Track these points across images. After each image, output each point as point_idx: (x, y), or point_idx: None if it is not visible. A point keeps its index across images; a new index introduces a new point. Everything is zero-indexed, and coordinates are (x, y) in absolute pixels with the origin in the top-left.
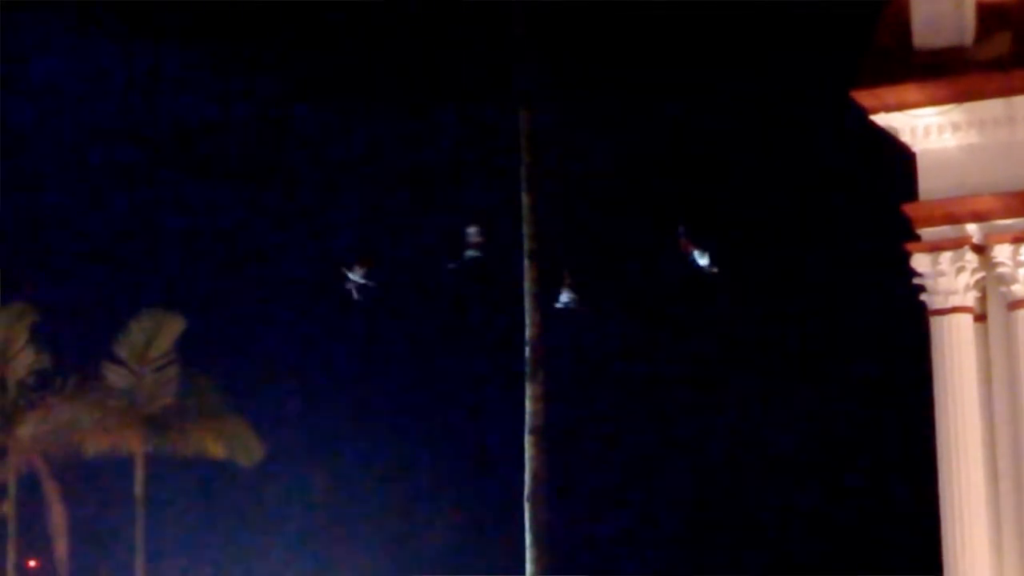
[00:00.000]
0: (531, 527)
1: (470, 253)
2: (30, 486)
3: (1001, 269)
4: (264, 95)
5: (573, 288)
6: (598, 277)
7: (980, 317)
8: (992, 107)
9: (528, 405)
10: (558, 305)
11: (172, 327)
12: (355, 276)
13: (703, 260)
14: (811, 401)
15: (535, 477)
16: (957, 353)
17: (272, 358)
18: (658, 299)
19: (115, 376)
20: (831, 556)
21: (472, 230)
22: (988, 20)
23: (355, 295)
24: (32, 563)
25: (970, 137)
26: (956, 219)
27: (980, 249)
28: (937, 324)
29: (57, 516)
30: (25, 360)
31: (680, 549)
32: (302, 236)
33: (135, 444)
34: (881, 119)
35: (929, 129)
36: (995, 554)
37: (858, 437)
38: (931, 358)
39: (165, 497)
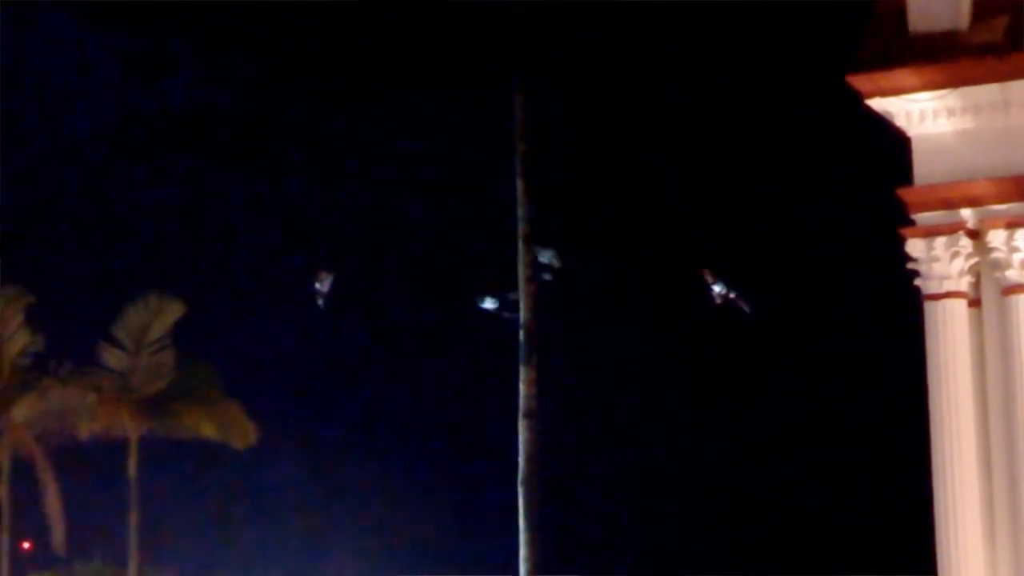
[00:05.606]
0: (525, 511)
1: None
2: (24, 468)
3: (995, 254)
4: (261, 82)
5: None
6: (593, 261)
7: (974, 302)
8: (987, 92)
9: (522, 389)
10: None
11: (170, 311)
12: (321, 286)
13: (722, 290)
14: (805, 384)
15: (529, 461)
16: (951, 338)
17: (267, 343)
18: (653, 284)
19: (111, 359)
20: (828, 552)
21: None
22: (983, 5)
23: (320, 303)
24: (26, 545)
25: (965, 122)
26: (951, 204)
27: (974, 234)
28: (931, 309)
29: (52, 498)
30: (20, 342)
31: (675, 536)
32: (298, 222)
33: (129, 427)
34: (876, 104)
35: (924, 114)
36: (988, 539)
37: (852, 424)
38: (925, 343)
39: (159, 479)
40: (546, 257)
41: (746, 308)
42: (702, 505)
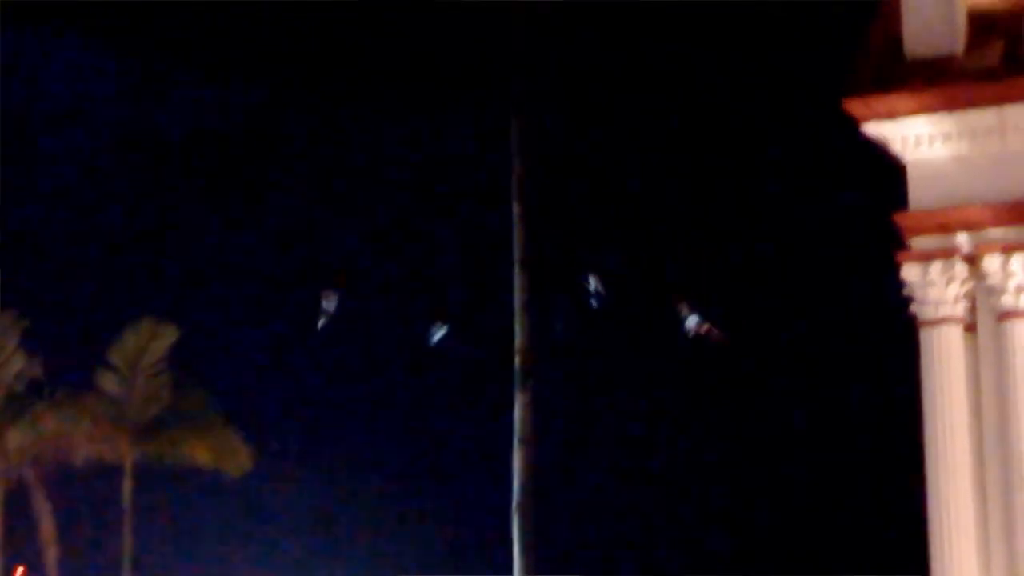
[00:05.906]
0: (519, 536)
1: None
2: (18, 493)
3: (991, 280)
4: (258, 103)
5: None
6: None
7: (970, 327)
8: (983, 116)
9: (517, 414)
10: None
11: (165, 336)
12: (327, 304)
13: (695, 322)
14: (800, 411)
15: (523, 486)
16: (946, 364)
17: (263, 368)
18: (649, 304)
19: (106, 384)
20: (825, 560)
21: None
22: (979, 29)
23: (323, 321)
24: (20, 570)
25: (961, 147)
26: (946, 229)
27: (970, 259)
28: (926, 334)
29: (46, 524)
30: (15, 367)
31: (670, 559)
32: (295, 245)
33: (124, 452)
34: (872, 128)
35: (920, 139)
36: (984, 565)
37: (852, 425)
38: (920, 369)
39: (153, 506)
40: (592, 284)
41: (721, 338)
42: (702, 505)
